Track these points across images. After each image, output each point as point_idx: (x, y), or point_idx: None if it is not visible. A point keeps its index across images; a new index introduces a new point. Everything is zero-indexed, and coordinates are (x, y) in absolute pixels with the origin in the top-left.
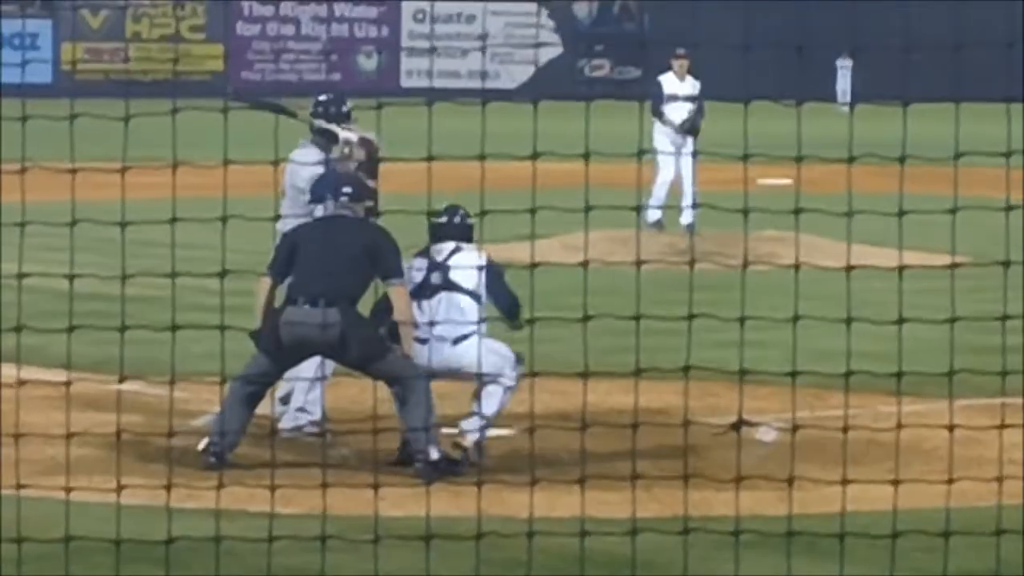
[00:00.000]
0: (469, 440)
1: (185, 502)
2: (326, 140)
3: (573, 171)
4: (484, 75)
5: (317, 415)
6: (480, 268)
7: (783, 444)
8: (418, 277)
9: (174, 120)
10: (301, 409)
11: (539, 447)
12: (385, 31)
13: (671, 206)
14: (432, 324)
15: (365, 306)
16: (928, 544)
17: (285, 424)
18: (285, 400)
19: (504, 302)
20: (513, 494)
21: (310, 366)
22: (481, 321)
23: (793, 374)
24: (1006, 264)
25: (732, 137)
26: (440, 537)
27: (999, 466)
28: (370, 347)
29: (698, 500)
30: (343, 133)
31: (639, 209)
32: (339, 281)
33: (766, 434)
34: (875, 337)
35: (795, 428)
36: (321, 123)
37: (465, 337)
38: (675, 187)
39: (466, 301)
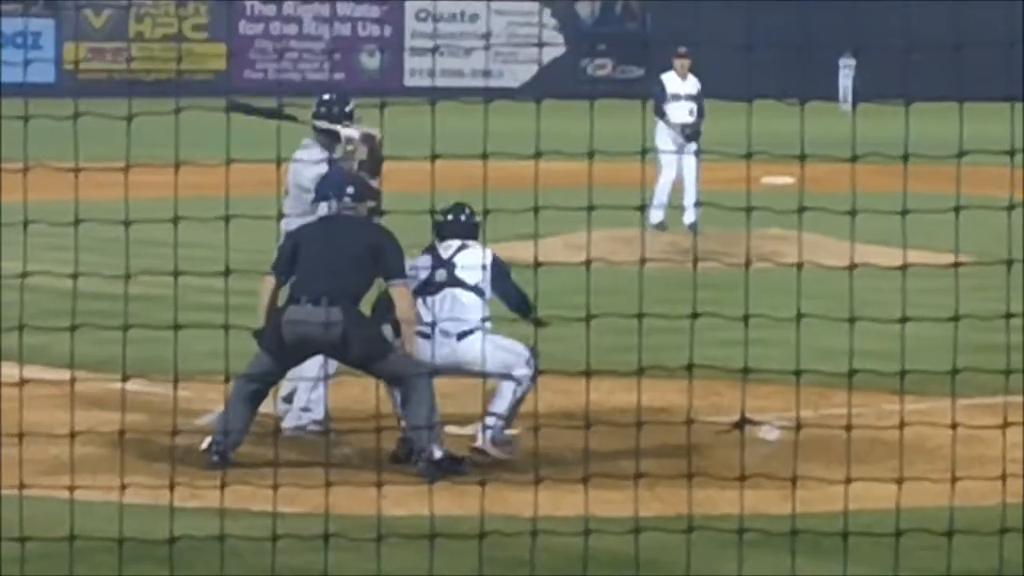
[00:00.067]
0: (480, 440)
1: (188, 501)
2: (329, 139)
3: (576, 170)
4: (487, 74)
5: (320, 414)
6: (484, 265)
7: (786, 443)
8: (423, 274)
9: (177, 119)
10: (304, 408)
11: (542, 446)
12: (388, 30)
13: (674, 205)
14: (435, 320)
15: (366, 306)
16: (931, 543)
17: (288, 423)
18: (288, 399)
19: (512, 299)
20: (516, 493)
21: (313, 365)
22: (485, 319)
23: (796, 373)
24: (1009, 263)
25: (735, 136)
26: (443, 536)
27: (1002, 465)
28: (372, 346)
29: (702, 499)
30: (344, 131)
31: (642, 208)
32: (342, 280)
33: (769, 433)
34: (878, 336)
35: (798, 427)
36: (323, 123)
37: (469, 332)
38: (677, 186)
39: (470, 297)
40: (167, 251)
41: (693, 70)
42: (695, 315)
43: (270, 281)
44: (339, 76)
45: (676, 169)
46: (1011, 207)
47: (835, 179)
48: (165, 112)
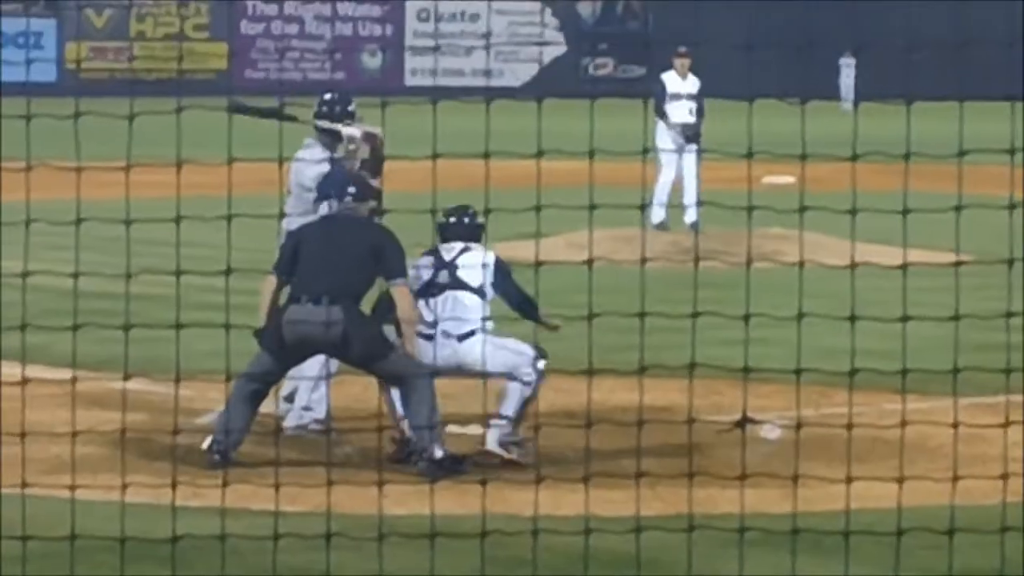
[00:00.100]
0: (490, 444)
1: (190, 500)
2: (331, 139)
3: (577, 169)
4: (488, 73)
5: (322, 413)
6: (486, 263)
7: (787, 442)
8: (426, 276)
9: (178, 119)
10: (306, 407)
11: (543, 445)
12: (389, 30)
13: (674, 205)
14: (437, 321)
15: (367, 306)
16: (933, 542)
17: (289, 422)
18: (289, 398)
19: (513, 299)
20: (517, 492)
21: (315, 364)
22: (486, 319)
23: (797, 372)
24: (1010, 262)
25: (736, 135)
26: (444, 535)
27: (1003, 464)
28: (373, 346)
29: (703, 498)
30: (346, 130)
31: (644, 207)
32: (343, 279)
33: (770, 432)
34: (879, 335)
35: (799, 426)
36: (325, 123)
37: (471, 334)
38: (677, 186)
39: (472, 299)
40: (168, 250)
41: (693, 69)
42: (696, 314)
43: (272, 281)
44: (340, 76)
45: (676, 168)
46: (1012, 206)
47: (836, 178)
48: (167, 111)
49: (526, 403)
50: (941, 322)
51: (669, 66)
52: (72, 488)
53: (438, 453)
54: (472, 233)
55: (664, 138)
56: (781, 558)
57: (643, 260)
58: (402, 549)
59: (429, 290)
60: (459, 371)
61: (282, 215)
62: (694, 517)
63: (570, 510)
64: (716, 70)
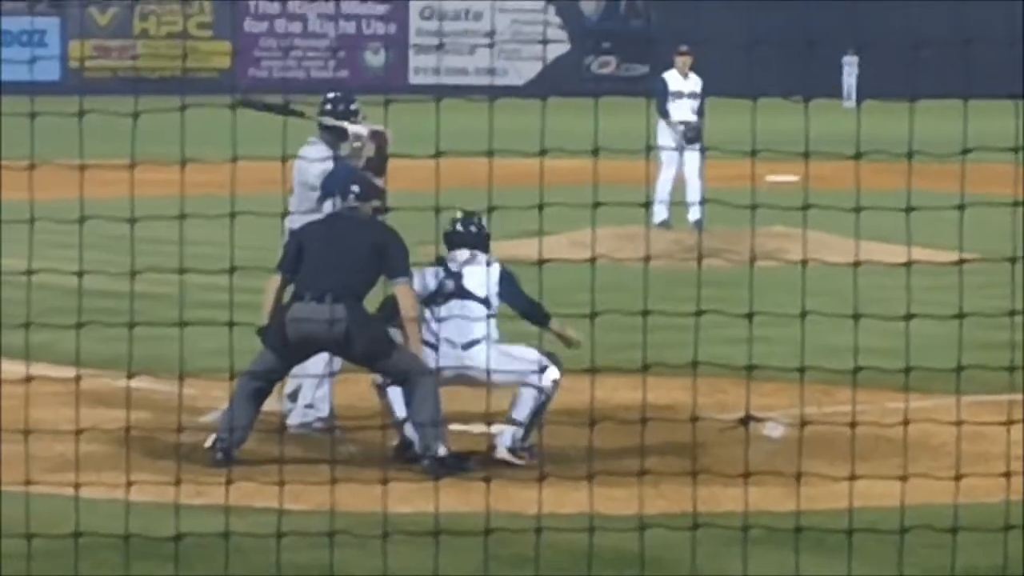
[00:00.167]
0: (500, 452)
1: (193, 498)
2: (335, 137)
3: (580, 167)
4: (492, 72)
5: (325, 412)
6: (489, 262)
7: (791, 440)
8: (432, 285)
9: (182, 117)
10: (309, 405)
11: (547, 443)
12: (393, 28)
13: (677, 202)
14: (440, 322)
15: (371, 306)
16: (936, 540)
17: (293, 420)
18: (293, 396)
19: (521, 307)
20: (521, 490)
21: (318, 362)
22: (492, 327)
23: (801, 370)
24: (1014, 260)
25: (739, 134)
26: (448, 533)
27: (1006, 462)
28: (376, 344)
29: (706, 496)
30: (352, 128)
31: (647, 205)
32: (346, 278)
33: (774, 430)
34: (883, 333)
35: (803, 424)
36: (330, 120)
37: (476, 342)
38: (679, 184)
39: (477, 308)
40: (172, 249)
41: (695, 68)
42: (699, 312)
43: (276, 279)
44: (343, 74)
45: (676, 167)
46: (1016, 204)
47: (839, 176)
48: (170, 110)
49: (539, 409)
50: (944, 320)
51: (671, 65)
52: (76, 486)
53: (441, 451)
54: (478, 241)
55: (665, 136)
56: (784, 556)
57: (646, 258)
58: (406, 547)
59: (434, 299)
60: (464, 380)
61: (286, 213)
62: (697, 515)
63: (573, 508)
64: (719, 68)
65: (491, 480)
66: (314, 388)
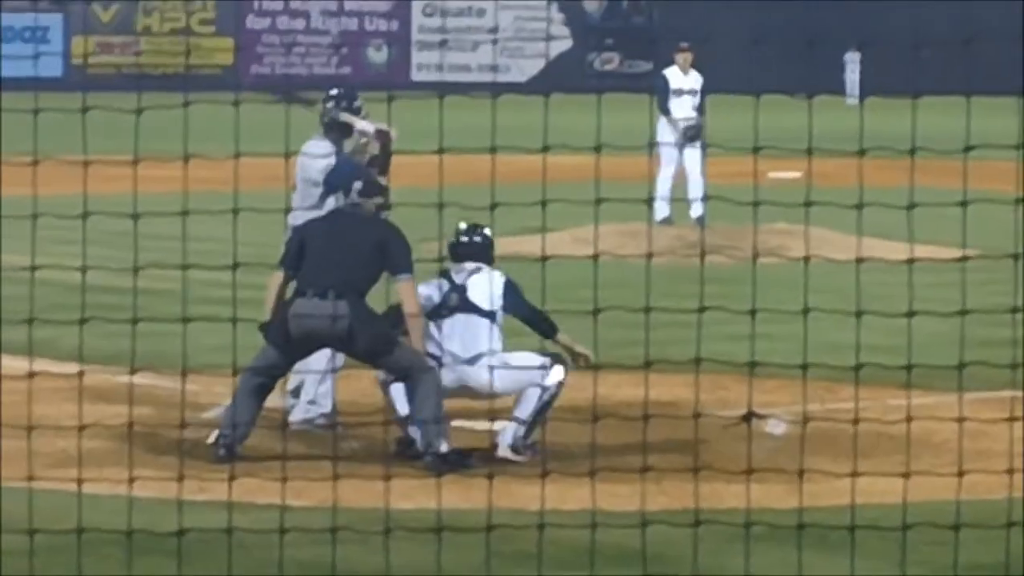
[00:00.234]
0: (502, 450)
1: (196, 494)
2: (338, 133)
3: (583, 164)
4: (494, 69)
5: (328, 408)
6: (495, 288)
7: (793, 437)
8: (436, 298)
9: (185, 113)
10: (312, 402)
11: (549, 440)
12: (395, 24)
13: (679, 199)
14: (445, 336)
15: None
16: (938, 537)
17: (296, 416)
18: (295, 393)
19: (526, 318)
20: (523, 486)
21: (321, 359)
22: (494, 326)
23: (803, 367)
24: (1016, 257)
25: (742, 131)
26: (450, 529)
27: (1009, 459)
28: (378, 341)
29: (708, 493)
30: (360, 124)
31: (650, 202)
32: (349, 274)
33: (776, 427)
34: (885, 330)
35: (805, 421)
36: (345, 115)
37: (480, 356)
38: (680, 181)
39: (482, 322)
40: (175, 245)
41: (695, 65)
42: (702, 309)
43: (278, 276)
44: (346, 70)
45: (676, 164)
46: (1018, 201)
47: (842, 174)
48: (173, 106)
49: (543, 408)
50: (947, 317)
51: (672, 62)
52: (79, 482)
53: (443, 448)
54: (483, 253)
55: (666, 133)
56: (787, 553)
57: (649, 255)
58: (408, 543)
59: (439, 312)
60: (467, 391)
61: (288, 210)
62: (700, 512)
63: (576, 504)
64: (721, 66)
65: (493, 476)
66: (316, 384)
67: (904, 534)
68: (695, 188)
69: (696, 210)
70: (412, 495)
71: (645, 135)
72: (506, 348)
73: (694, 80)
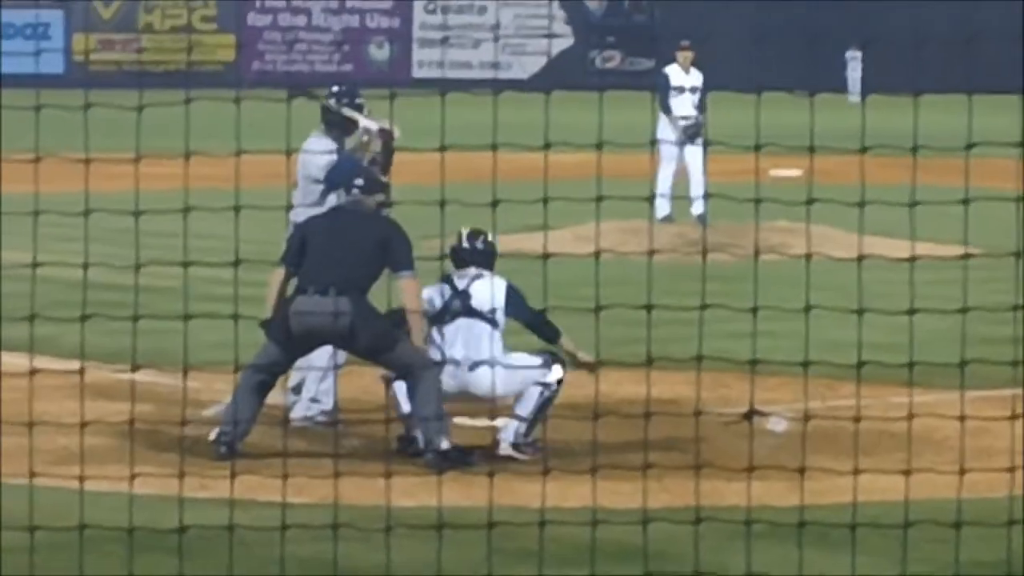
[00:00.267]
0: (503, 448)
1: (197, 491)
2: (339, 130)
3: (585, 162)
4: (496, 66)
5: (329, 405)
6: (497, 294)
7: (794, 434)
8: (438, 302)
9: (187, 111)
10: (313, 399)
11: (551, 437)
12: (397, 21)
13: (680, 197)
14: (447, 342)
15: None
16: (939, 534)
17: (297, 414)
18: (297, 390)
19: (529, 322)
20: (524, 484)
21: (322, 356)
22: (496, 331)
23: (805, 364)
24: (1018, 255)
25: (743, 128)
26: (451, 527)
27: (1010, 457)
28: (379, 339)
29: (709, 490)
30: (363, 121)
31: (651, 199)
32: (350, 271)
33: (777, 424)
34: (886, 328)
35: (806, 418)
36: (349, 111)
37: (482, 363)
38: (681, 179)
39: (483, 327)
40: (177, 242)
41: (696, 63)
42: (703, 307)
43: (279, 273)
44: (348, 67)
45: (677, 161)
46: (1020, 199)
47: (843, 171)
48: (175, 103)
49: (544, 405)
50: (948, 315)
51: (673, 60)
52: (80, 479)
53: (444, 445)
54: (485, 259)
55: (666, 131)
56: (788, 550)
57: (650, 252)
58: (409, 540)
59: (441, 318)
60: (468, 396)
61: (290, 207)
62: (701, 509)
63: (577, 502)
64: (723, 63)
65: (494, 474)
66: (318, 381)
67: (905, 532)
68: (696, 186)
69: (697, 208)
70: (413, 492)
71: (646, 133)
72: (507, 350)
73: (695, 78)
